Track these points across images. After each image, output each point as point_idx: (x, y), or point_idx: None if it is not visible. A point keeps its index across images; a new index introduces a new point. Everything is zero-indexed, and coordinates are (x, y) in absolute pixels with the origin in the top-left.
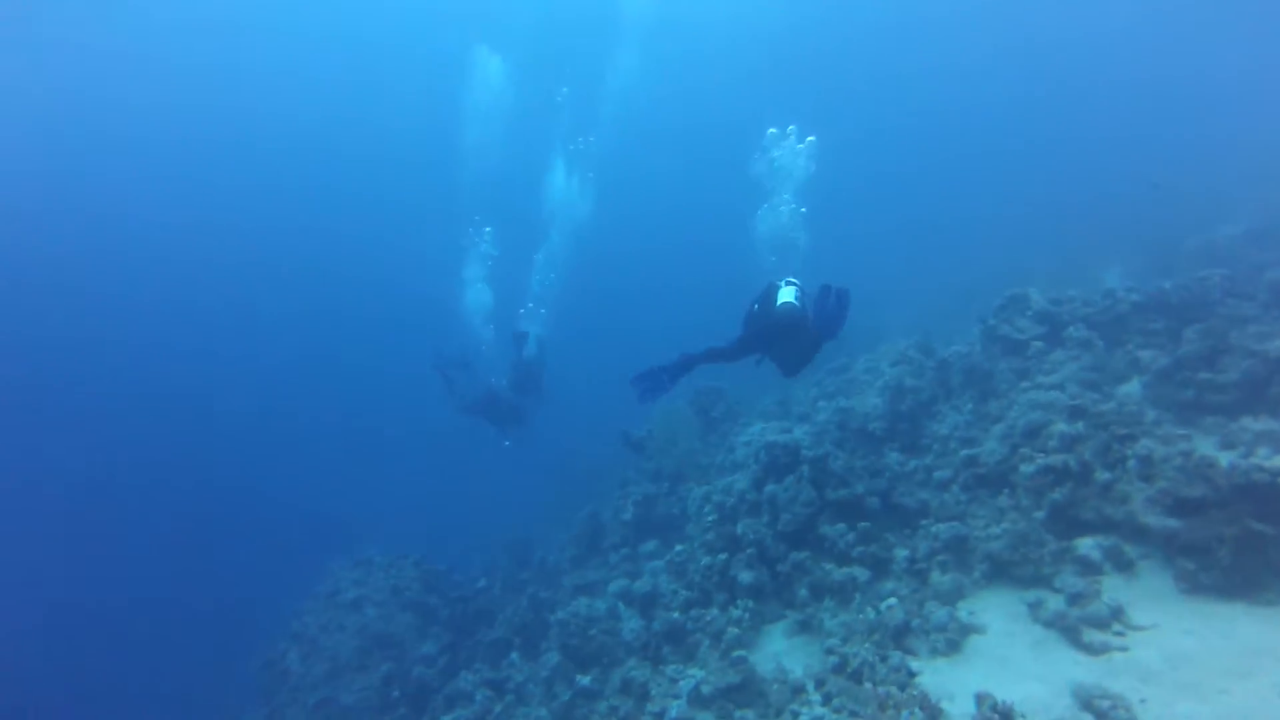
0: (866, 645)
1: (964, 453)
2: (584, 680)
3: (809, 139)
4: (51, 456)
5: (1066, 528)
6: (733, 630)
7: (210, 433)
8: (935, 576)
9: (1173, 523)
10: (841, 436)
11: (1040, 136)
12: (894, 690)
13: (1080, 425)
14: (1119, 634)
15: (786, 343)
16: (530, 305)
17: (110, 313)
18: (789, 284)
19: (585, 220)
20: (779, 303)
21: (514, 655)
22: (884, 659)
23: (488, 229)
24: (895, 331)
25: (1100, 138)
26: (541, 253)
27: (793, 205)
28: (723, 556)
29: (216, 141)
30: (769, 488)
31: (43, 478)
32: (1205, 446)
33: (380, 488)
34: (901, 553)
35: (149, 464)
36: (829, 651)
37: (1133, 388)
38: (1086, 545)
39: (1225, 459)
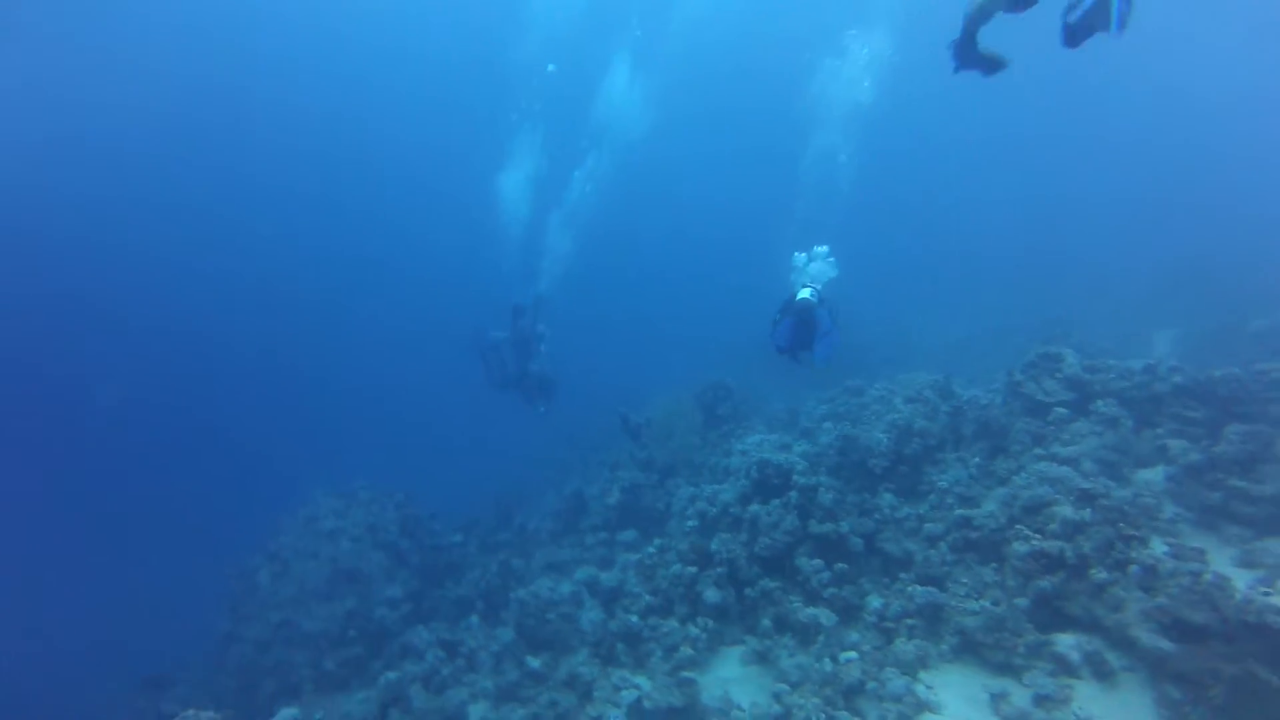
0: (815, 700)
1: (959, 511)
2: (534, 663)
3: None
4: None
5: (1050, 619)
6: (686, 649)
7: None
8: (901, 642)
9: (1166, 644)
10: (840, 464)
11: (1128, 179)
12: None
13: (1087, 512)
14: None
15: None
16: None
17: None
18: (809, 288)
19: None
20: (797, 298)
21: (474, 618)
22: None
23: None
24: (924, 360)
25: (1186, 192)
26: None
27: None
28: (693, 569)
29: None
30: (754, 507)
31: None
32: (1221, 560)
33: (388, 426)
34: (875, 603)
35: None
36: (776, 698)
37: (1155, 475)
38: (1067, 643)
39: (1241, 583)
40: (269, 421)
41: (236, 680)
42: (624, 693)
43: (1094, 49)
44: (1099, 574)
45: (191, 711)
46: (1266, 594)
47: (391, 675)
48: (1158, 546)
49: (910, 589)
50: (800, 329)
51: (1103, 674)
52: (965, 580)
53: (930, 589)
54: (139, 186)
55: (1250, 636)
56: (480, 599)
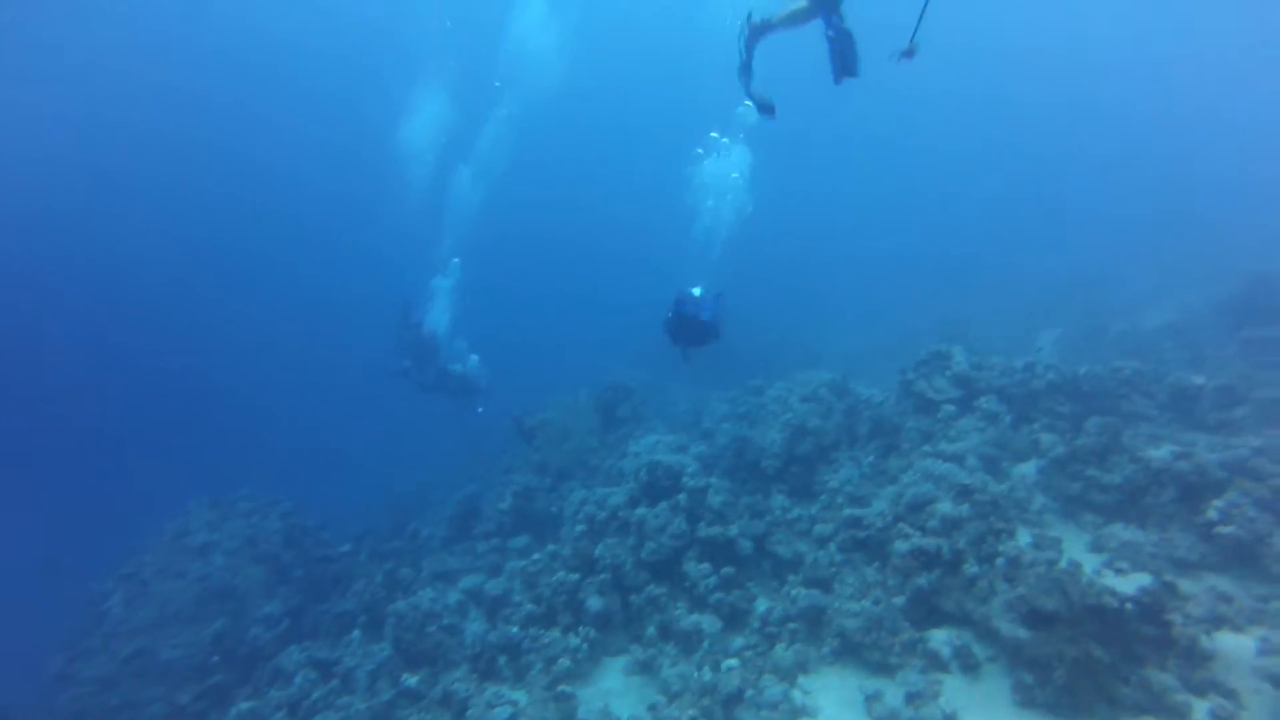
0: (692, 711)
1: (849, 511)
2: (410, 680)
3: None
4: None
5: (927, 615)
6: (565, 661)
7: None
8: (781, 648)
9: (1023, 632)
10: (735, 465)
11: (1030, 189)
12: None
13: (965, 508)
14: None
15: (687, 330)
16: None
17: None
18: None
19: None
20: (684, 298)
21: (356, 633)
22: None
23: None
24: (832, 360)
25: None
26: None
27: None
28: (576, 576)
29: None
30: (640, 510)
31: None
32: (1077, 547)
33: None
34: (762, 605)
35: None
36: (652, 710)
37: (1029, 469)
38: (939, 639)
39: (1090, 568)
40: (138, 430)
41: None
42: (497, 710)
43: (994, 62)
44: (971, 568)
45: None
46: (1109, 567)
47: (245, 706)
48: (1023, 538)
49: (795, 592)
50: (689, 324)
51: (969, 666)
52: (851, 581)
53: (814, 591)
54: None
55: (1089, 618)
56: (364, 612)
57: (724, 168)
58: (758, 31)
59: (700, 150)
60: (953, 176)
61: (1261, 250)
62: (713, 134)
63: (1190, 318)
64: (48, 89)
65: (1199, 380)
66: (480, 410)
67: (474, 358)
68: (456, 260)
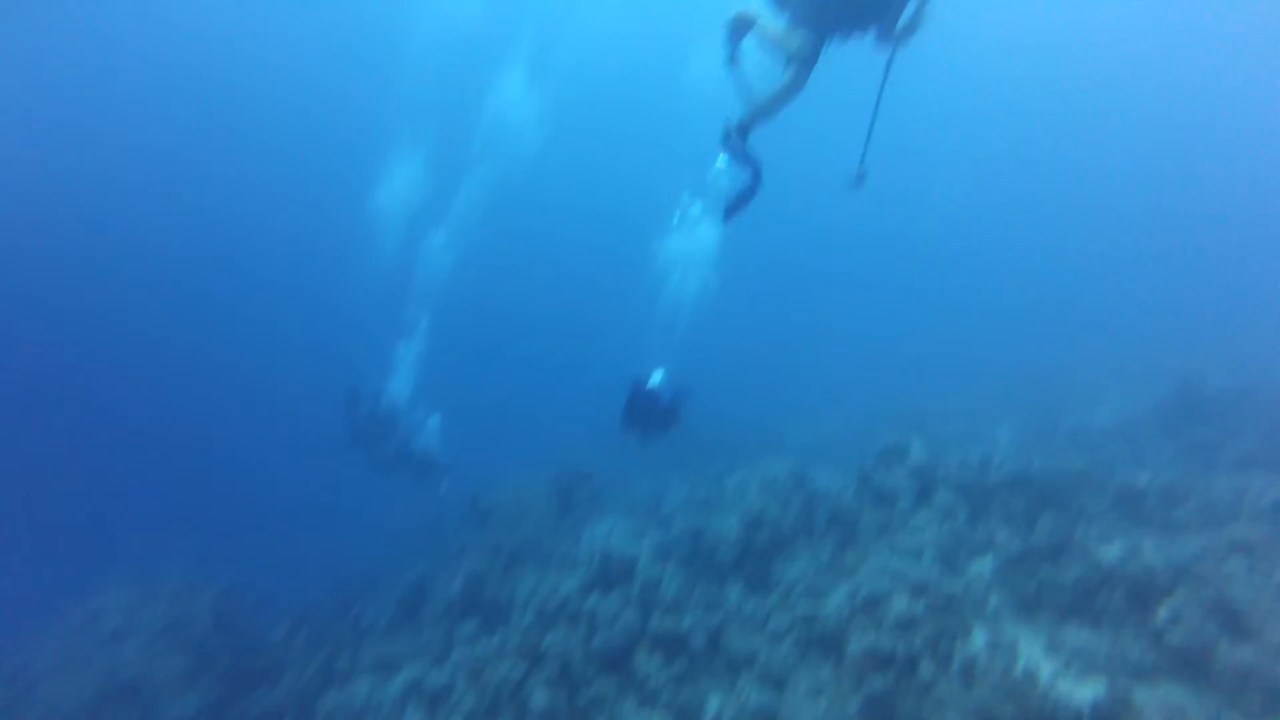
0: None
1: (805, 606)
2: None
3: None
4: None
5: (881, 718)
6: None
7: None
8: None
9: None
10: (691, 555)
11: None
12: None
13: (921, 605)
14: None
15: (644, 419)
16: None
17: None
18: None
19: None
20: (641, 381)
21: None
22: None
23: None
24: (793, 443)
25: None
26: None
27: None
28: (523, 667)
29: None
30: (592, 599)
31: None
32: (1033, 648)
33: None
34: (714, 704)
35: None
36: None
37: (985, 566)
38: None
39: (1045, 671)
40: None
41: None
42: None
43: (959, 155)
44: (927, 670)
45: None
46: (1062, 674)
47: None
48: (980, 638)
49: (747, 691)
50: (647, 409)
51: None
52: (805, 680)
53: (767, 690)
54: None
55: None
56: (294, 706)
57: (691, 241)
58: (745, 131)
59: (679, 216)
60: (916, 266)
61: (1199, 347)
62: (685, 195)
63: (1134, 416)
64: None
65: (1143, 479)
66: (443, 487)
67: (434, 418)
68: (424, 322)
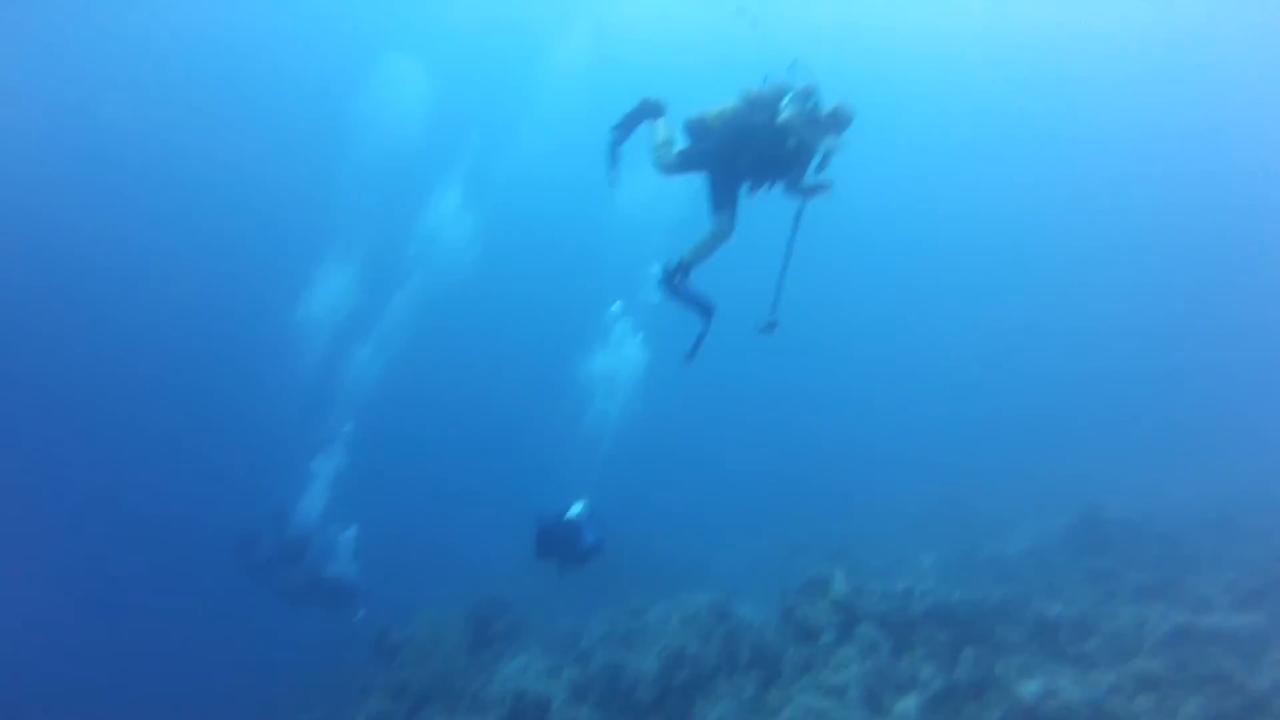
0: None
1: None
2: None
3: None
4: None
5: None
6: None
7: None
8: None
9: None
10: (608, 694)
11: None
12: None
13: None
14: None
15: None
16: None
17: None
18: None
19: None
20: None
21: None
22: None
23: None
24: (717, 573)
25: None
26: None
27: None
28: None
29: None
30: None
31: None
32: None
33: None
34: None
35: None
36: None
37: (910, 704)
38: None
39: None
40: None
41: None
42: None
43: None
44: None
45: None
46: None
47: None
48: None
49: None
50: (564, 543)
51: None
52: None
53: None
54: None
55: None
56: None
57: (615, 362)
58: (685, 271)
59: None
60: (836, 387)
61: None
62: (615, 306)
63: (1045, 542)
64: None
65: (1056, 610)
66: (359, 615)
67: (350, 530)
68: (345, 434)
